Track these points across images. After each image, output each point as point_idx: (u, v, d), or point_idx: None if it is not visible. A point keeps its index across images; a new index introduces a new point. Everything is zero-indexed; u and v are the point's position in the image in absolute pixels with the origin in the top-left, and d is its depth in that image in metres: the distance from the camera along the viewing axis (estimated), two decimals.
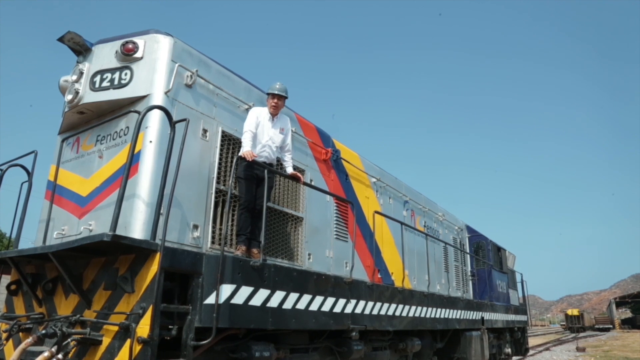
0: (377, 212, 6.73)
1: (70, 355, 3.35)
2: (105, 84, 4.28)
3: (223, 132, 4.54)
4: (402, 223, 7.25)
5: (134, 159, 3.54)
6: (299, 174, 4.92)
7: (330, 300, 4.83)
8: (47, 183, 4.66)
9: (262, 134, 4.60)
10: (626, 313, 74.63)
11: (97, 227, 3.95)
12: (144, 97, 4.08)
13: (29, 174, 4.64)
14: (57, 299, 4.00)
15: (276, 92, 4.72)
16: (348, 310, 5.12)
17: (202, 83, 4.43)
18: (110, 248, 3.45)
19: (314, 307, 4.57)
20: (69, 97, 4.43)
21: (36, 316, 4.02)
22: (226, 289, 3.60)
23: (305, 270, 4.90)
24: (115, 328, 3.31)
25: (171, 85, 4.06)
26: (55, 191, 4.43)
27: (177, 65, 4.15)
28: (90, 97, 4.33)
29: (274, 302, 4.06)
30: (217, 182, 4.34)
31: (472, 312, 9.15)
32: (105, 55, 4.38)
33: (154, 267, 3.32)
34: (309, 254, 5.34)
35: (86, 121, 4.59)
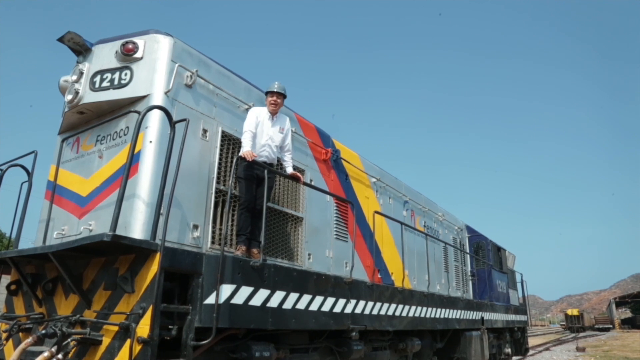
0: (377, 212, 6.73)
1: (70, 355, 3.35)
2: (105, 84, 4.28)
3: (223, 132, 4.54)
4: (402, 223, 7.25)
5: (134, 159, 3.54)
6: (299, 174, 4.92)
7: (330, 300, 4.83)
8: (47, 183, 4.66)
9: (261, 134, 4.60)
10: (626, 313, 74.65)
11: (97, 227, 3.95)
12: (144, 97, 4.08)
13: (29, 174, 4.64)
14: (57, 299, 4.00)
15: (275, 90, 4.72)
16: (348, 310, 5.12)
17: (202, 83, 4.43)
18: (110, 248, 3.45)
19: (314, 307, 4.57)
20: (69, 97, 4.43)
21: (36, 316, 4.02)
22: (226, 289, 3.60)
23: (305, 270, 4.90)
24: (115, 328, 3.31)
25: (171, 86, 4.06)
26: (55, 191, 4.43)
27: (177, 65, 4.15)
28: (90, 97, 4.33)
29: (274, 302, 4.06)
30: (217, 182, 4.34)
31: (472, 312, 9.15)
32: (105, 56, 4.38)
33: (154, 267, 3.32)
34: (309, 254, 5.35)
35: (86, 121, 4.59)
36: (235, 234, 4.37)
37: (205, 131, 4.34)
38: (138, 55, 4.20)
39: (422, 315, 6.96)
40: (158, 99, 4.00)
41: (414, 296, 6.85)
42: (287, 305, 4.23)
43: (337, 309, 4.93)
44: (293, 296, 4.31)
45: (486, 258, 11.66)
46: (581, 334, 41.45)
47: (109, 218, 3.25)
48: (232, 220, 4.43)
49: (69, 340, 3.35)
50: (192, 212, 4.03)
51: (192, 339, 3.45)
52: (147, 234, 3.52)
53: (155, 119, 3.88)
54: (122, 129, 4.20)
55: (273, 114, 4.75)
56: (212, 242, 4.14)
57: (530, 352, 17.90)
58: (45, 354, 3.25)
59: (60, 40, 4.41)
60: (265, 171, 4.26)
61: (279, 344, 4.39)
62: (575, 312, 55.55)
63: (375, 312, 5.68)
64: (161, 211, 3.50)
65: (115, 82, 4.23)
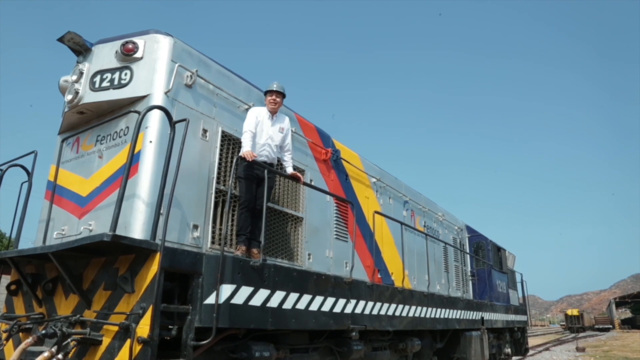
0: (377, 212, 6.73)
1: (70, 355, 3.35)
2: (105, 84, 4.28)
3: (223, 132, 4.54)
4: (402, 223, 7.25)
5: (134, 159, 3.54)
6: (298, 174, 4.92)
7: (330, 300, 4.83)
8: (47, 183, 4.66)
9: (261, 133, 4.60)
10: (626, 313, 74.65)
11: (97, 227, 3.95)
12: (144, 97, 4.08)
13: (29, 174, 4.64)
14: (57, 299, 4.00)
15: (274, 89, 4.73)
16: (348, 310, 5.12)
17: (202, 83, 4.43)
18: (110, 248, 3.45)
19: (314, 307, 4.57)
20: (69, 97, 4.43)
21: (36, 316, 4.02)
22: (226, 289, 3.60)
23: (305, 270, 4.90)
24: (115, 328, 3.31)
25: (171, 86, 4.06)
26: (55, 191, 4.43)
27: (177, 65, 4.15)
28: (90, 97, 4.33)
29: (274, 302, 4.06)
30: (217, 182, 4.34)
31: (472, 312, 9.15)
32: (105, 56, 4.38)
33: (154, 267, 3.32)
34: (309, 254, 5.34)
35: (86, 121, 4.59)
36: (236, 234, 4.37)
37: (205, 131, 4.34)
38: (138, 55, 4.20)
39: (422, 315, 6.96)
40: (158, 99, 4.00)
41: (414, 296, 6.85)
42: (287, 305, 4.22)
43: (337, 309, 4.93)
44: (293, 296, 4.31)
45: (486, 258, 11.66)
46: (581, 334, 41.45)
47: (109, 218, 3.25)
48: (232, 220, 4.43)
49: (69, 340, 3.34)
50: (192, 212, 4.03)
51: (192, 339, 3.45)
52: (147, 234, 3.52)
53: (155, 119, 3.88)
54: (122, 129, 4.20)
55: (273, 113, 4.75)
56: (212, 242, 4.14)
57: (530, 352, 17.90)
58: (45, 354, 3.25)
59: (60, 40, 4.41)
60: (265, 171, 4.26)
61: (279, 344, 4.39)
62: (575, 312, 55.55)
63: (375, 312, 5.68)
64: (161, 211, 3.49)
65: (115, 82, 4.23)
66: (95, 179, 4.21)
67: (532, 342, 22.75)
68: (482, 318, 9.68)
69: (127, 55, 4.21)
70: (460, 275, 10.16)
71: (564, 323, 59.38)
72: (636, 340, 30.88)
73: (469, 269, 10.90)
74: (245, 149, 4.35)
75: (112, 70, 4.28)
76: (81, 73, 4.41)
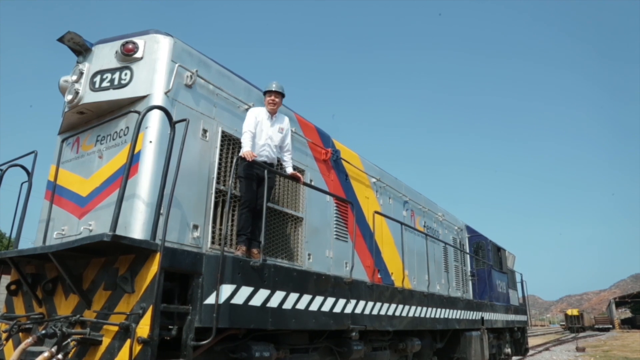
0: (377, 212, 6.73)
1: (70, 355, 3.35)
2: (105, 84, 4.28)
3: (223, 132, 4.54)
4: (402, 223, 7.25)
5: (133, 159, 3.54)
6: (298, 174, 4.92)
7: (330, 301, 4.83)
8: (47, 183, 4.66)
9: (260, 133, 4.60)
10: (626, 313, 74.66)
11: (97, 227, 3.95)
12: (144, 97, 4.08)
13: (29, 174, 4.64)
14: (57, 299, 4.00)
15: (273, 89, 4.73)
16: (348, 310, 5.12)
17: (202, 83, 4.43)
18: (110, 248, 3.45)
19: (314, 307, 4.57)
20: (69, 97, 4.43)
21: (36, 316, 4.02)
22: (226, 289, 3.60)
23: (305, 270, 4.90)
24: (115, 328, 3.31)
25: (171, 86, 4.06)
26: (55, 191, 4.43)
27: (177, 65, 4.15)
28: (90, 97, 4.33)
29: (274, 302, 4.06)
30: (217, 182, 4.34)
31: (472, 312, 9.15)
32: (105, 56, 4.38)
33: (154, 267, 3.32)
34: (309, 254, 5.35)
35: (86, 121, 4.59)
36: (236, 233, 4.37)
37: (205, 131, 4.34)
38: (138, 55, 4.20)
39: (422, 315, 6.96)
40: (158, 99, 4.00)
41: (414, 296, 6.85)
42: (287, 305, 4.23)
43: (337, 309, 4.93)
44: (293, 296, 4.31)
45: (486, 258, 11.66)
46: (581, 334, 41.46)
47: (109, 218, 3.25)
48: (232, 220, 4.43)
49: (69, 340, 3.34)
50: (192, 212, 4.03)
51: (192, 339, 3.45)
52: (147, 234, 3.52)
53: (155, 119, 3.88)
54: (122, 129, 4.20)
55: (272, 113, 4.75)
56: (212, 242, 4.14)
57: (530, 352, 17.91)
58: (45, 354, 3.25)
59: (60, 40, 4.40)
60: (265, 171, 4.26)
61: (279, 344, 4.39)
62: (575, 312, 55.57)
63: (375, 312, 5.68)
64: (161, 211, 3.49)
65: (115, 82, 4.23)
66: (95, 179, 4.21)
67: (532, 342, 22.75)
68: (482, 318, 9.69)
69: (127, 55, 4.21)
70: (460, 275, 10.16)
71: (563, 323, 59.41)
72: (636, 340, 30.88)
73: (468, 269, 10.90)
74: (245, 149, 4.35)
75: (112, 71, 4.28)
76: (81, 73, 4.41)
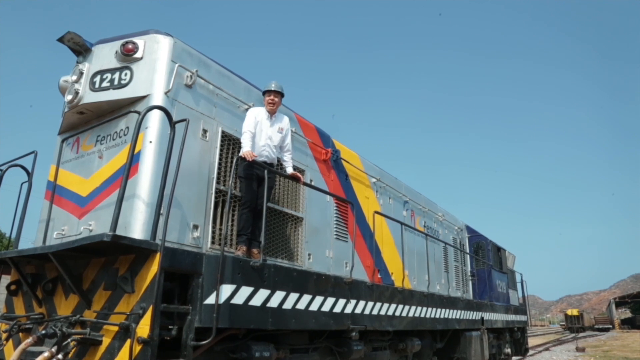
0: (377, 212, 6.73)
1: (70, 355, 3.35)
2: (105, 84, 4.28)
3: (223, 132, 4.54)
4: (402, 223, 7.25)
5: (133, 159, 3.54)
6: (298, 174, 4.92)
7: (330, 301, 4.83)
8: (47, 183, 4.66)
9: (260, 133, 4.60)
10: (626, 313, 74.67)
11: (97, 227, 3.95)
12: (144, 97, 4.08)
13: (29, 174, 4.64)
14: (57, 299, 4.00)
15: (272, 89, 4.73)
16: (348, 310, 5.12)
17: (202, 83, 4.43)
18: (110, 248, 3.45)
19: (314, 307, 4.57)
20: (68, 97, 4.43)
21: (36, 316, 4.02)
22: (226, 289, 3.61)
23: (305, 270, 4.90)
24: (115, 328, 3.31)
25: (171, 86, 4.06)
26: (55, 191, 4.43)
27: (177, 65, 4.15)
28: (90, 97, 4.33)
29: (274, 302, 4.06)
30: (217, 182, 4.34)
31: (472, 312, 9.15)
32: (105, 56, 4.38)
33: (154, 267, 3.32)
34: (309, 254, 5.35)
35: (86, 121, 4.58)
36: (236, 233, 4.37)
37: (205, 131, 4.34)
38: (138, 55, 4.20)
39: (422, 315, 6.96)
40: (158, 99, 3.99)
41: (414, 296, 6.85)
42: (287, 305, 4.23)
43: (337, 309, 4.93)
44: (293, 296, 4.31)
45: (486, 258, 11.66)
46: (581, 334, 41.46)
47: (109, 218, 3.25)
48: (232, 220, 4.43)
49: (69, 340, 3.34)
50: (192, 212, 4.03)
51: (192, 339, 3.45)
52: (147, 234, 3.52)
53: (155, 119, 3.87)
54: (122, 129, 4.20)
55: (271, 113, 4.75)
56: (212, 242, 4.14)
57: (530, 352, 17.91)
58: (45, 354, 3.25)
59: (60, 40, 4.40)
60: (265, 171, 4.26)
61: (279, 344, 4.39)
62: (575, 312, 55.57)
63: (375, 312, 5.68)
64: (161, 211, 3.49)
65: (115, 82, 4.23)
66: (95, 179, 4.21)
67: (532, 342, 22.75)
68: (482, 318, 9.69)
69: (127, 55, 4.21)
70: (460, 275, 10.16)
71: (563, 323, 59.40)
72: (636, 340, 30.88)
73: (468, 269, 10.90)
74: (245, 149, 4.35)
75: (112, 71, 4.28)
76: (81, 73, 4.41)
